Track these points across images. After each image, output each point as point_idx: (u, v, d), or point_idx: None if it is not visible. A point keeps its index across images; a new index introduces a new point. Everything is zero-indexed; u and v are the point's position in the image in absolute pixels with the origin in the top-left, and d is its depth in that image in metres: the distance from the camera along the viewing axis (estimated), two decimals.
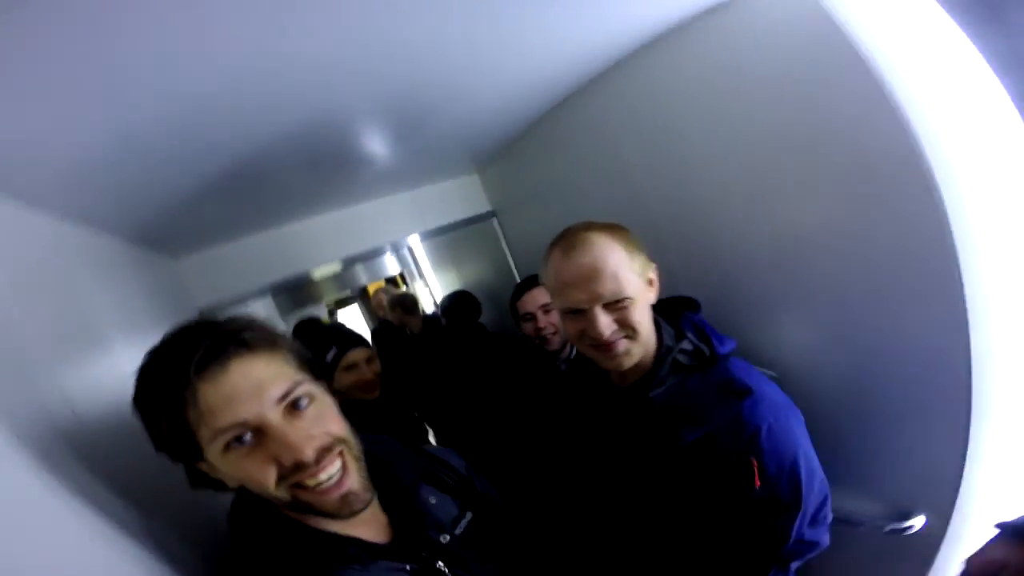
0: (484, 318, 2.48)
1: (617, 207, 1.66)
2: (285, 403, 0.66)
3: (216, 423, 0.61)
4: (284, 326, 2.77)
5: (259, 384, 0.64)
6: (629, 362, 1.01)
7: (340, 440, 0.70)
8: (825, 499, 1.03)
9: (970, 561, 0.72)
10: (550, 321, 1.78)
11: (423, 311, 2.97)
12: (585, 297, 0.97)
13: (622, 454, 1.10)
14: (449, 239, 2.55)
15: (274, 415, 0.64)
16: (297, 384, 0.68)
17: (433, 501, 0.86)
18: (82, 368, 0.90)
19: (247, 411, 0.63)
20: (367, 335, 3.16)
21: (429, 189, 2.40)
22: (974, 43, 0.85)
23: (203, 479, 0.70)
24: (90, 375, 0.91)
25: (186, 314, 1.69)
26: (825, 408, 1.23)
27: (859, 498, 1.25)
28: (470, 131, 1.77)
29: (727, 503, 0.96)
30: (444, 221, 2.42)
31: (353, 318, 3.86)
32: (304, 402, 0.68)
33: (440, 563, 0.77)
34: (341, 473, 0.69)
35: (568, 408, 1.30)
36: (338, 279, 3.40)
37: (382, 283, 3.64)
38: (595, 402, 1.18)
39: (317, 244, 2.17)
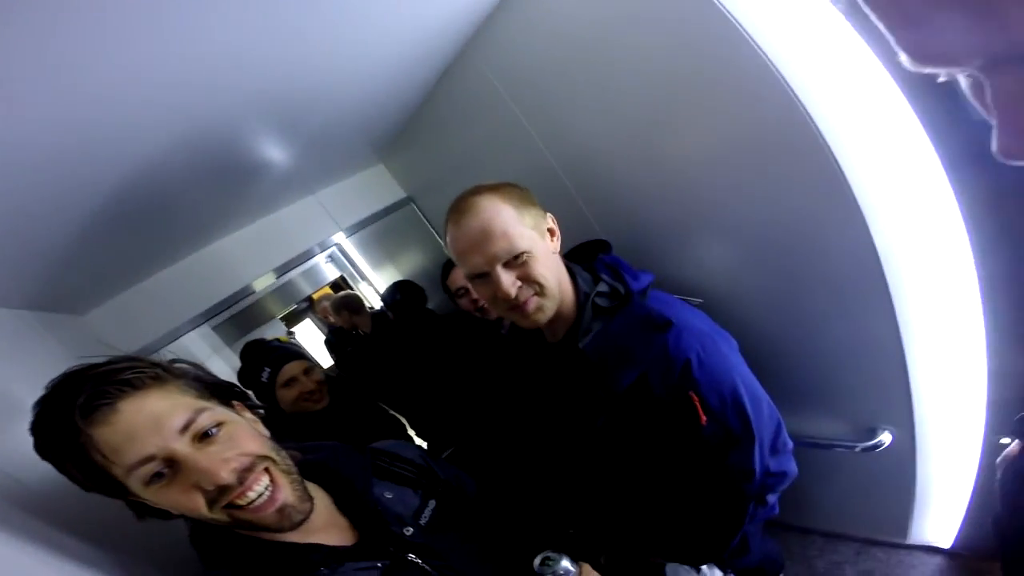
0: (432, 303, 2.44)
1: (522, 167, 1.63)
2: (190, 432, 0.64)
3: (124, 461, 0.61)
4: (231, 354, 2.68)
5: (155, 418, 0.63)
6: (543, 317, 1.00)
7: (261, 457, 0.69)
8: (779, 425, 1.02)
9: (1004, 464, 0.73)
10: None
11: (370, 309, 2.90)
12: (482, 260, 0.96)
13: (568, 410, 1.09)
14: (377, 233, 2.50)
15: (181, 445, 0.63)
16: (199, 412, 0.66)
17: (389, 496, 0.85)
18: (10, 440, 0.87)
19: (151, 445, 0.61)
20: (320, 345, 3.09)
21: (339, 186, 2.34)
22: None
23: (146, 509, 0.68)
24: (21, 443, 0.88)
25: None
26: (763, 330, 1.24)
27: (822, 421, 1.27)
28: (360, 121, 1.71)
29: (679, 444, 0.95)
30: (361, 215, 2.37)
31: (308, 331, 3.77)
32: (213, 429, 0.67)
33: (412, 555, 0.77)
34: (272, 489, 0.68)
35: (512, 370, 1.29)
36: (279, 294, 3.29)
37: (327, 290, 3.55)
38: (534, 361, 1.18)
39: (238, 262, 2.09)
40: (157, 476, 0.62)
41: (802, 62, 0.97)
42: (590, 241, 1.14)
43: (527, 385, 1.22)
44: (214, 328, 2.64)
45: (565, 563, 0.82)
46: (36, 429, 0.63)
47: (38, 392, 1.02)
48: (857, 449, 1.22)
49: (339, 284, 3.50)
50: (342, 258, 3.02)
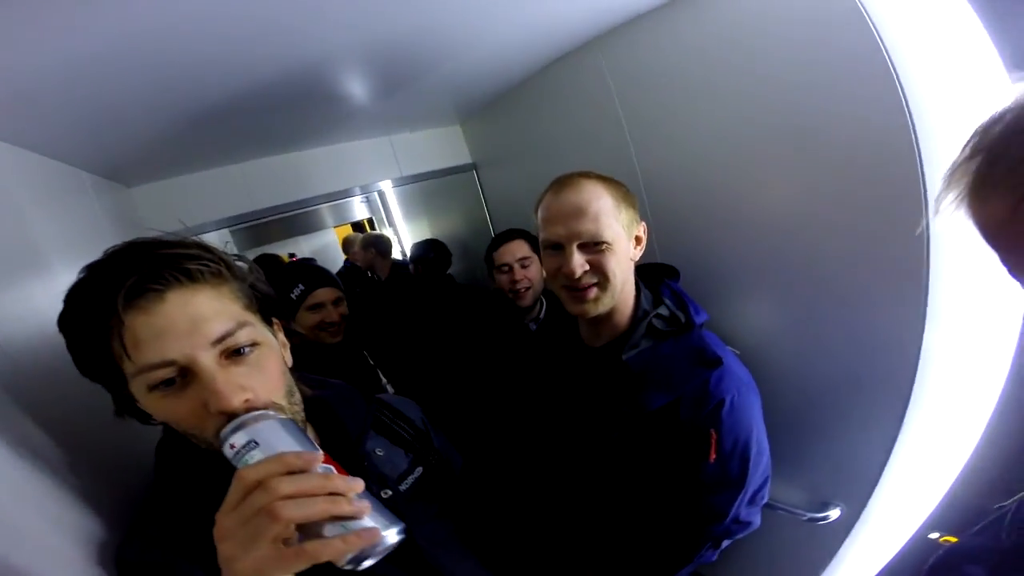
0: (454, 270, 2.44)
1: (605, 168, 1.57)
2: (223, 345, 0.58)
3: (141, 359, 0.54)
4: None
5: (196, 320, 0.56)
6: (595, 310, 1.01)
7: (274, 405, 0.60)
8: (766, 481, 1.06)
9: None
10: (526, 275, 1.76)
11: (391, 256, 2.89)
12: (564, 232, 0.98)
13: (586, 414, 1.10)
14: (423, 188, 2.47)
15: (207, 357, 0.56)
16: (241, 326, 0.60)
17: (380, 453, 0.82)
18: (12, 292, 0.83)
19: (177, 350, 0.55)
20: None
21: (409, 136, 2.30)
22: (993, 41, 0.82)
23: (129, 408, 0.62)
24: (21, 298, 0.84)
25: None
26: (771, 390, 1.25)
27: (785, 485, 1.30)
28: (458, 84, 1.70)
29: (679, 473, 0.98)
30: (422, 169, 2.35)
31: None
32: (247, 348, 0.60)
33: None
34: None
35: (536, 365, 1.29)
36: (303, 218, 3.26)
37: (348, 228, 3.51)
38: (564, 360, 1.18)
39: (282, 182, 2.07)
40: (167, 383, 0.56)
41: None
42: (660, 264, 1.16)
43: (548, 381, 1.22)
44: (232, 231, 2.62)
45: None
46: (73, 295, 0.58)
47: (61, 250, 1.01)
48: (805, 518, 1.27)
49: (363, 225, 3.46)
50: (376, 200, 2.99)
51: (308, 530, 0.48)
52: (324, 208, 3.24)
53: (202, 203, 1.90)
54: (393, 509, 0.63)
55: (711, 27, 1.21)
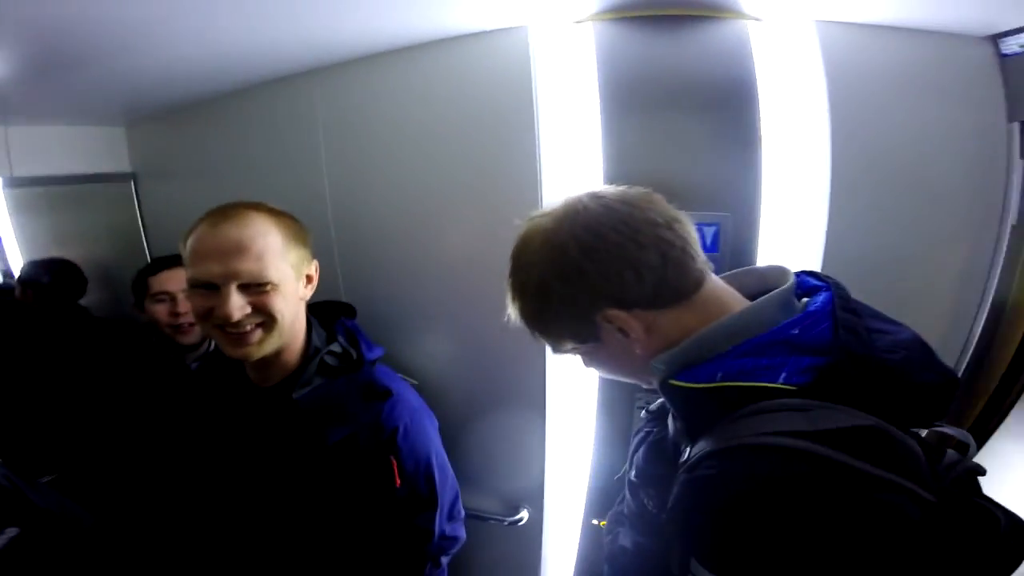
0: (91, 300, 1.98)
1: (295, 199, 1.60)
2: None
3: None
4: None
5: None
6: (259, 353, 0.97)
7: None
8: (456, 496, 1.16)
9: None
10: (188, 308, 1.57)
11: None
12: (220, 271, 0.90)
13: (259, 457, 1.04)
14: (52, 194, 1.98)
15: None
16: None
17: None
18: None
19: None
20: None
21: (37, 128, 1.83)
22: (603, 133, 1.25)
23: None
24: None
25: None
26: (455, 414, 1.45)
27: (482, 496, 1.52)
28: (136, 82, 1.48)
29: (370, 502, 1.00)
30: (54, 171, 1.89)
31: None
32: None
33: None
34: None
35: (198, 409, 1.18)
36: None
37: None
38: (231, 402, 1.11)
39: None
40: None
41: None
42: (337, 302, 1.19)
43: (214, 425, 1.13)
44: None
45: None
46: None
47: None
48: (505, 523, 1.50)
49: None
50: None
51: None
52: None
53: None
54: None
55: (412, 82, 1.41)
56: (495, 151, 1.35)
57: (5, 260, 2.24)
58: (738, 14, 1.20)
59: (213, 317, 0.92)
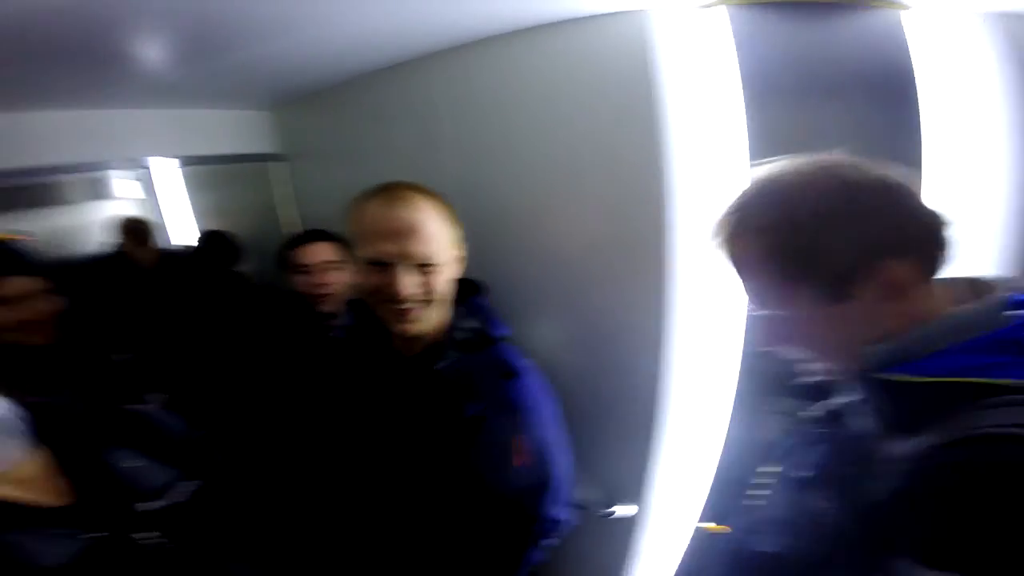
0: (250, 268, 2.22)
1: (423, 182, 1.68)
2: None
3: None
4: None
5: None
6: (417, 328, 1.03)
7: None
8: (570, 480, 1.15)
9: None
10: (330, 280, 1.69)
11: (155, 243, 2.50)
12: (397, 251, 0.96)
13: (401, 420, 1.10)
14: (219, 172, 2.22)
15: None
16: None
17: (131, 465, 0.79)
18: None
19: None
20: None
21: (204, 113, 2.04)
22: (746, 118, 1.14)
23: None
24: None
25: None
26: (565, 400, 1.41)
27: (583, 484, 1.44)
28: (274, 68, 1.58)
29: (490, 479, 1.03)
30: (216, 151, 2.10)
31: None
32: None
33: (140, 534, 0.71)
34: None
35: (344, 371, 1.26)
36: (40, 191, 2.62)
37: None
38: (377, 368, 1.17)
39: (25, 141, 1.64)
40: None
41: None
42: (469, 279, 1.21)
43: (360, 387, 1.20)
44: None
45: None
46: None
47: None
48: (601, 513, 1.46)
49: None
50: (150, 181, 2.58)
51: None
52: (73, 181, 2.69)
53: None
54: (160, 522, 0.64)
55: (530, 67, 1.37)
56: (615, 135, 1.28)
57: (177, 230, 2.60)
58: (888, 3, 1.09)
59: (382, 293, 0.98)
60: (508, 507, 1.05)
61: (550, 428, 1.08)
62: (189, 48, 1.31)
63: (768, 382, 1.26)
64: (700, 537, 1.45)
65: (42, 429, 0.69)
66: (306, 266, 1.70)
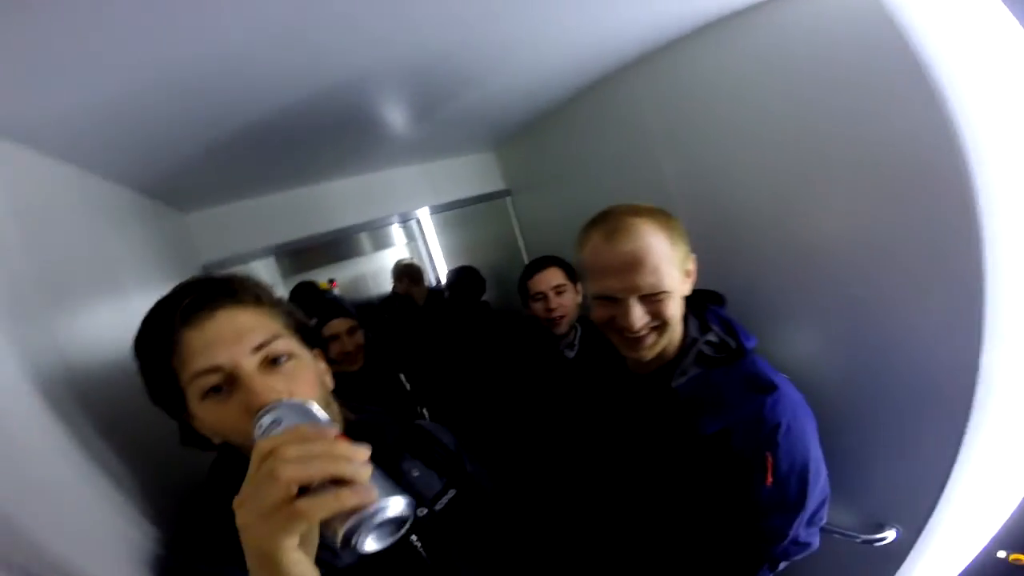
0: (489, 297, 2.46)
1: (639, 197, 1.61)
2: (262, 353, 0.65)
3: (194, 366, 0.62)
4: (283, 288, 2.76)
5: (240, 331, 0.65)
6: (651, 354, 0.99)
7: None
8: (824, 501, 1.03)
9: None
10: (561, 303, 1.75)
11: (427, 283, 2.96)
12: (622, 287, 0.94)
13: (635, 442, 1.09)
14: (458, 215, 2.53)
15: (248, 363, 0.64)
16: (276, 337, 0.67)
17: (416, 474, 0.84)
18: (81, 315, 0.88)
19: (223, 356, 0.63)
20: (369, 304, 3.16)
21: (444, 163, 2.37)
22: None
23: (192, 435, 0.70)
24: (90, 323, 0.89)
25: (190, 269, 1.68)
26: (823, 414, 1.23)
27: (839, 507, 1.24)
28: (493, 108, 1.73)
29: (735, 497, 0.96)
30: (457, 196, 2.40)
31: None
32: (283, 358, 0.67)
33: (413, 537, 0.75)
34: None
35: (577, 393, 1.28)
36: (344, 243, 3.38)
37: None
38: (609, 388, 1.16)
39: (327, 209, 2.15)
40: (215, 390, 0.63)
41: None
42: (704, 290, 1.13)
43: (594, 407, 1.21)
44: (277, 258, 2.73)
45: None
46: (143, 324, 0.67)
47: (123, 275, 1.11)
48: (859, 540, 1.23)
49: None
50: (415, 228, 3.08)
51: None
52: (363, 236, 3.35)
53: (250, 230, 2.00)
54: (429, 528, 0.64)
55: (750, 51, 1.21)
56: (867, 118, 1.04)
57: (436, 270, 3.04)
58: None
59: (615, 324, 0.97)
60: (751, 527, 0.98)
61: (808, 446, 0.98)
62: (423, 104, 1.51)
63: None
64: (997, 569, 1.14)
65: (356, 437, 0.79)
66: (539, 293, 1.79)
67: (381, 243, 3.62)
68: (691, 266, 1.02)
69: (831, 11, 1.04)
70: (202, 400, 0.63)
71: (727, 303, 1.13)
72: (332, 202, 2.16)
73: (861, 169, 1.08)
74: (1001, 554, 1.15)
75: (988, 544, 1.16)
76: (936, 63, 0.91)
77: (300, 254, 2.91)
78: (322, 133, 1.44)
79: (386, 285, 3.17)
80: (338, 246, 3.23)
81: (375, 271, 3.65)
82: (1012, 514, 1.12)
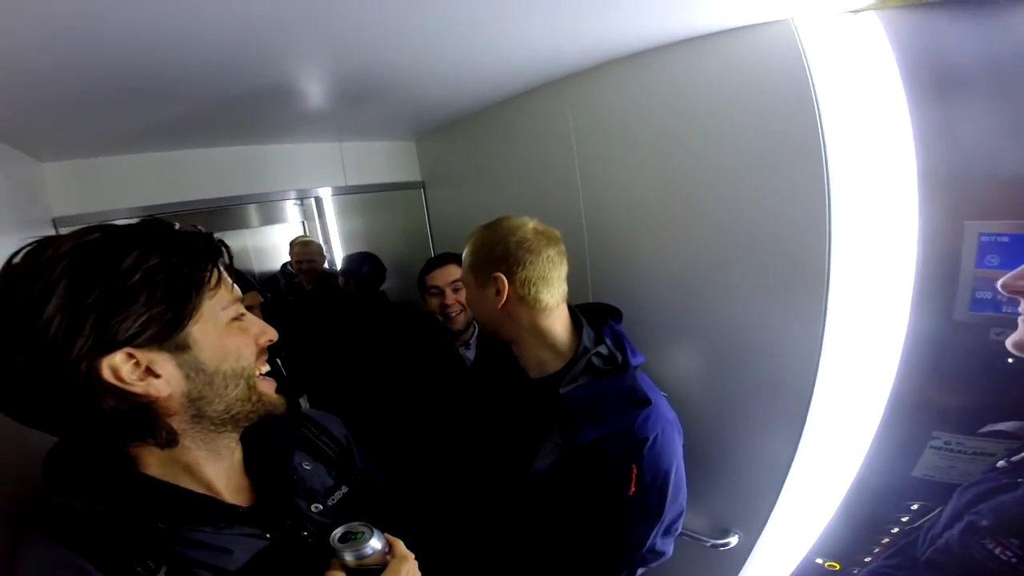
0: (388, 287, 2.40)
1: (551, 203, 1.68)
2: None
3: (229, 295, 0.66)
4: None
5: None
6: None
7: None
8: (681, 513, 1.12)
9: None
10: (458, 299, 1.76)
11: (318, 264, 2.79)
12: None
13: (519, 440, 1.13)
14: (367, 199, 2.43)
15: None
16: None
17: (307, 467, 0.81)
18: None
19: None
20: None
21: (360, 145, 2.25)
22: (910, 111, 1.00)
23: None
24: None
25: (39, 223, 1.45)
26: (693, 429, 1.30)
27: (694, 513, 1.36)
28: (420, 102, 1.69)
29: (602, 504, 1.03)
30: (369, 180, 2.30)
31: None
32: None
33: (307, 533, 0.72)
34: None
35: (473, 389, 1.32)
36: (227, 214, 3.09)
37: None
38: (503, 387, 1.20)
39: (211, 175, 1.95)
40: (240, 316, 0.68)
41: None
42: (605, 304, 1.21)
43: (486, 405, 1.25)
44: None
45: (374, 541, 0.67)
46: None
47: None
48: (707, 544, 1.37)
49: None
50: (313, 207, 2.90)
51: None
52: (251, 208, 3.09)
53: (116, 188, 1.75)
54: (323, 524, 0.67)
55: (667, 80, 1.29)
56: (766, 147, 1.16)
57: (332, 253, 2.88)
58: None
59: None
60: (610, 531, 1.05)
61: (672, 461, 1.06)
62: (352, 93, 1.45)
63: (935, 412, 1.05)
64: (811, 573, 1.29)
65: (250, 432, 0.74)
66: (435, 287, 1.78)
67: (271, 218, 3.35)
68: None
69: (743, 55, 1.15)
70: (229, 324, 0.66)
71: (623, 319, 1.19)
72: (218, 169, 1.95)
73: (736, 203, 1.21)
74: (819, 560, 1.28)
75: (810, 551, 1.29)
76: (826, 106, 1.05)
77: (176, 220, 2.61)
78: (209, 94, 1.28)
79: (270, 262, 2.98)
80: (221, 215, 2.94)
81: (260, 246, 3.37)
82: (828, 524, 1.25)
